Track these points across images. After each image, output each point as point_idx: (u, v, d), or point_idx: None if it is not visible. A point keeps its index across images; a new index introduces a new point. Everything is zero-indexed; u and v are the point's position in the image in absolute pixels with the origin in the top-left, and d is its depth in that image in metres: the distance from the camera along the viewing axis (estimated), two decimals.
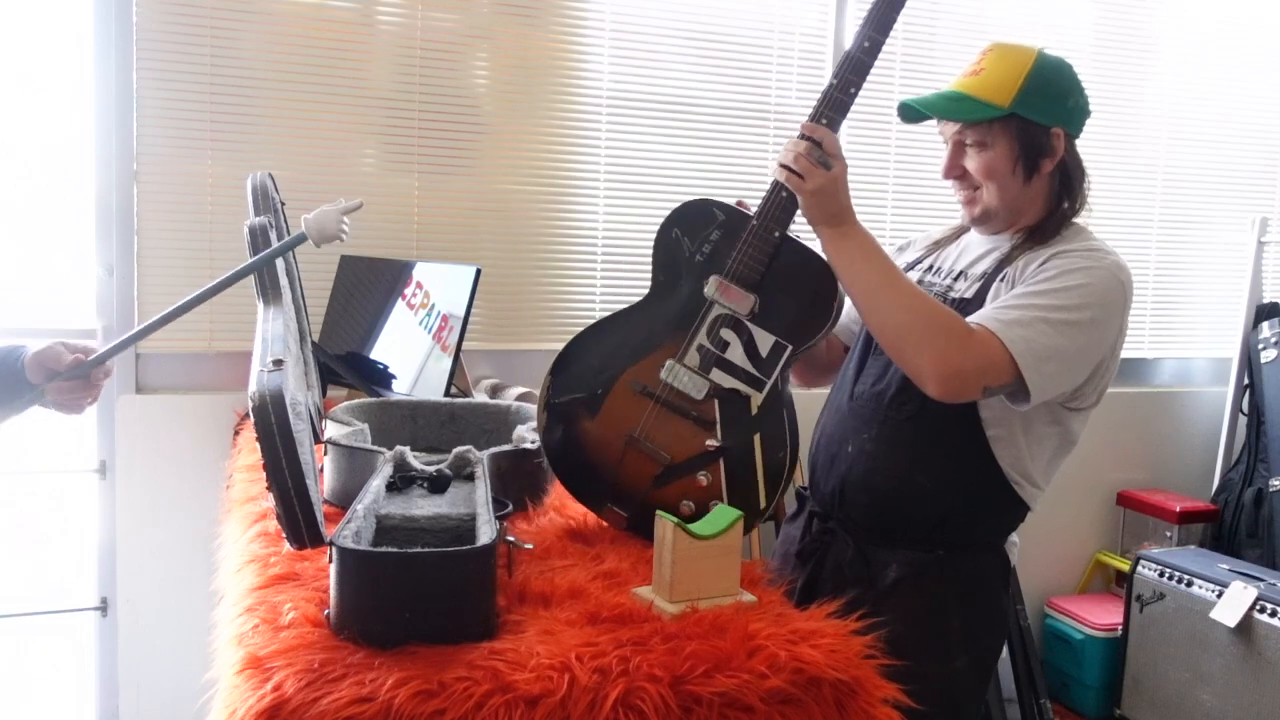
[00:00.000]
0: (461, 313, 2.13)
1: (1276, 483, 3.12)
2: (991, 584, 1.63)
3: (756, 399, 1.41)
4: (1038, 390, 1.41)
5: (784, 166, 1.41)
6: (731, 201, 1.49)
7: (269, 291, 1.34)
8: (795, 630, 1.09)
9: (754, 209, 1.45)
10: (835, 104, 1.44)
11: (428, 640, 1.01)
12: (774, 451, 1.41)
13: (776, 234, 1.42)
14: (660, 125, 2.84)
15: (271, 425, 0.99)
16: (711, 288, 1.42)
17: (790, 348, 1.41)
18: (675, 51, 2.84)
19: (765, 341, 1.41)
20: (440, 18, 2.64)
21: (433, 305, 2.24)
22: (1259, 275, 3.33)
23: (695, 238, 1.44)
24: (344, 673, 0.95)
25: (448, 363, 2.11)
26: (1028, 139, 1.50)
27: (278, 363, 1.07)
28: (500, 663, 0.98)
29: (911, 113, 1.60)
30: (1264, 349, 3.24)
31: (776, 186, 1.42)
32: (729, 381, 1.42)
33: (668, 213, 1.49)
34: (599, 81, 2.78)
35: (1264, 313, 3.31)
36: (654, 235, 1.49)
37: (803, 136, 1.42)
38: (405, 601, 1.01)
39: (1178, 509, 3.21)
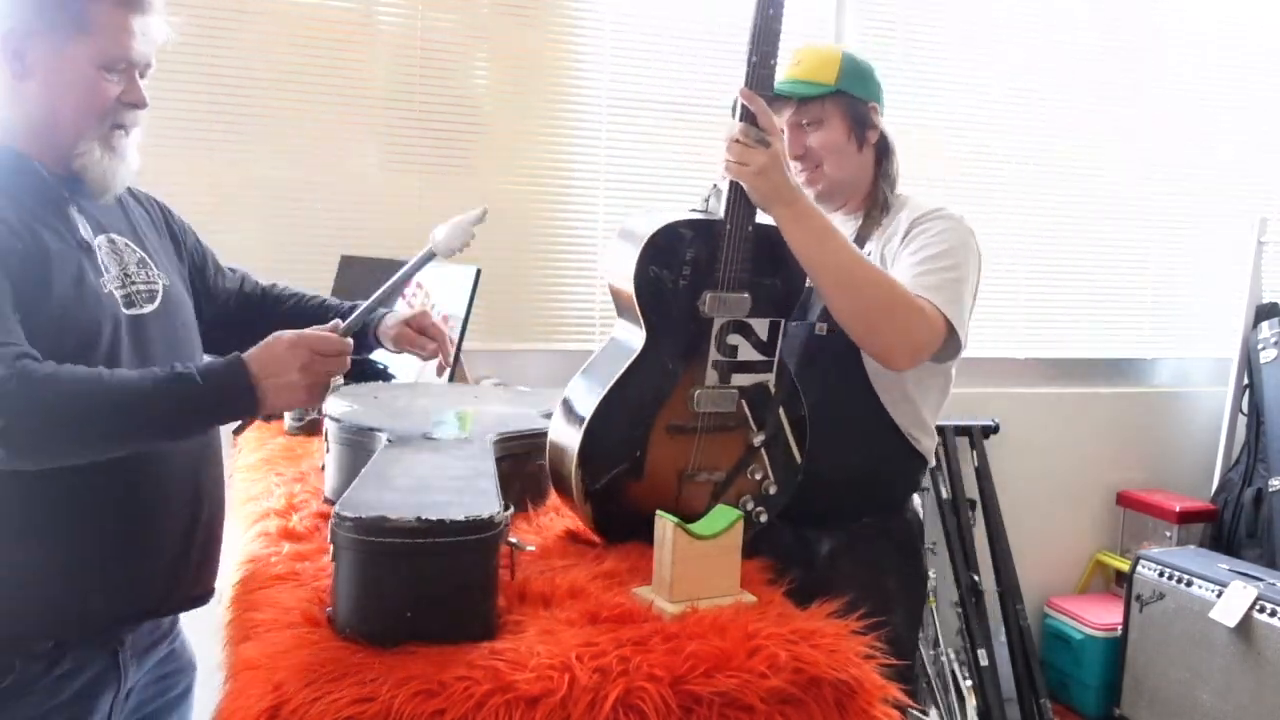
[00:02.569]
0: (461, 313, 2.13)
1: (1276, 483, 3.12)
2: (913, 540, 1.79)
3: (771, 379, 1.46)
4: (964, 343, 1.58)
5: (726, 160, 1.42)
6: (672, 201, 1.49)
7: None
8: (795, 630, 1.09)
9: (716, 212, 1.45)
10: (762, 80, 1.43)
11: (428, 640, 1.01)
12: (795, 412, 1.48)
13: (750, 229, 1.43)
14: (660, 125, 2.84)
15: None
16: (709, 305, 1.41)
17: (783, 320, 1.47)
18: (675, 51, 2.84)
19: (763, 327, 1.45)
20: (440, 18, 2.64)
21: (433, 305, 2.24)
22: (1259, 275, 3.33)
23: (673, 266, 1.40)
24: (344, 673, 0.95)
25: None
26: (855, 112, 1.69)
27: None
28: (500, 663, 0.98)
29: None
30: (1264, 349, 3.24)
31: (733, 185, 1.42)
32: (749, 380, 1.44)
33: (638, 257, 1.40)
34: (599, 81, 2.78)
35: (1264, 313, 3.31)
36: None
37: (743, 115, 1.42)
38: (406, 598, 1.01)
39: (1177, 509, 3.21)
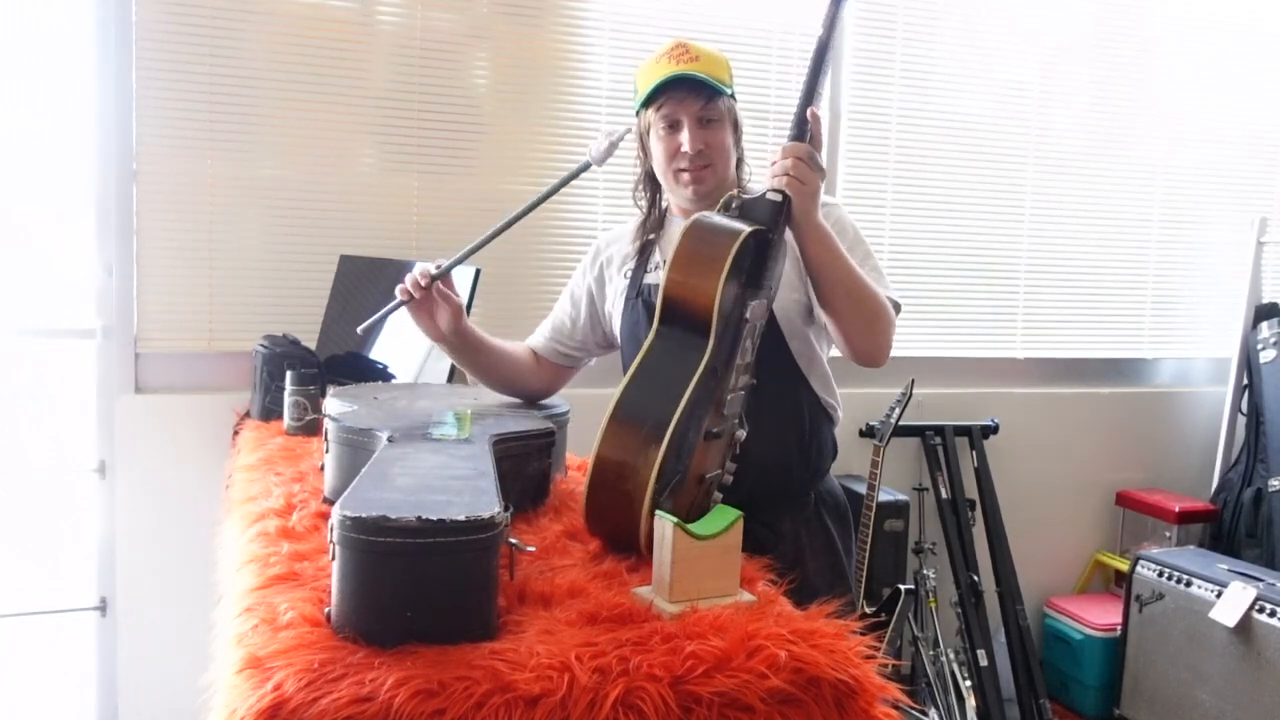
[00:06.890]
0: None
1: (1275, 483, 3.12)
2: (844, 504, 1.85)
3: (752, 380, 1.49)
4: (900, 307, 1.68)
5: (789, 176, 1.47)
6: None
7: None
8: (795, 630, 1.09)
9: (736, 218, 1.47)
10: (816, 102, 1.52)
11: (428, 640, 1.01)
12: (747, 406, 1.51)
13: (783, 241, 1.49)
14: None
15: None
16: (753, 312, 1.41)
17: (761, 323, 1.49)
18: None
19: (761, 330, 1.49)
20: (440, 18, 2.64)
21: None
22: (1258, 275, 3.34)
23: (738, 274, 1.40)
24: (344, 673, 0.95)
25: (448, 363, 2.11)
26: (737, 119, 1.74)
27: None
28: (500, 663, 0.98)
29: (658, 91, 1.68)
30: (1263, 349, 3.25)
31: (786, 199, 1.46)
32: (747, 380, 1.47)
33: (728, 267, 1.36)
34: (599, 81, 2.78)
35: (1263, 313, 3.31)
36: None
37: (800, 134, 1.49)
38: (406, 598, 1.01)
39: (1177, 509, 3.21)
